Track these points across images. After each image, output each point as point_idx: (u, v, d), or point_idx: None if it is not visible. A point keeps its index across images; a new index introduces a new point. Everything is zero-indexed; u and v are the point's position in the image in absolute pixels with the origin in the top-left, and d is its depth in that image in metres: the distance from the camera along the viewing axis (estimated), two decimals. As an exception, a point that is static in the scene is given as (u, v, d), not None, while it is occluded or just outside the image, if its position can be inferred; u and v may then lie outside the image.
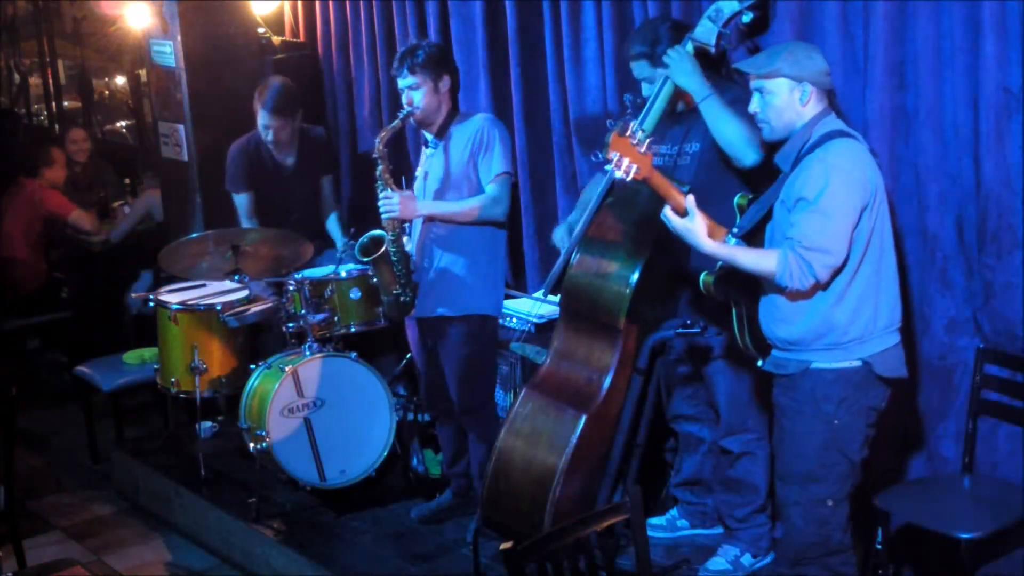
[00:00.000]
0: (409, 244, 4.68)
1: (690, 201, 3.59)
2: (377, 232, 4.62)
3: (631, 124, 3.64)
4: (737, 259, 3.58)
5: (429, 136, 4.65)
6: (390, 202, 4.51)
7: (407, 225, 4.68)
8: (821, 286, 3.53)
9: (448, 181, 4.55)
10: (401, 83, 4.54)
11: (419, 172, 4.72)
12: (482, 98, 5.48)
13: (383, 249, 4.54)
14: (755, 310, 3.74)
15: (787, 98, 3.61)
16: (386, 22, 5.98)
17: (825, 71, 3.62)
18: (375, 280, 4.71)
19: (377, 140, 4.54)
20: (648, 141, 3.62)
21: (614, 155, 3.58)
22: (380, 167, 4.53)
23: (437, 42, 4.76)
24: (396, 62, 4.54)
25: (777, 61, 3.61)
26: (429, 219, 4.61)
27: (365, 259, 4.61)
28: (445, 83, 4.55)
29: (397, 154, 5.69)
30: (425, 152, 4.70)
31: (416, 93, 4.51)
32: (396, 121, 4.56)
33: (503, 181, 4.52)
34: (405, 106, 4.53)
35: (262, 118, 5.50)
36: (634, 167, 3.57)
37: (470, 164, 4.52)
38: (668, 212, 3.62)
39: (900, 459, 4.26)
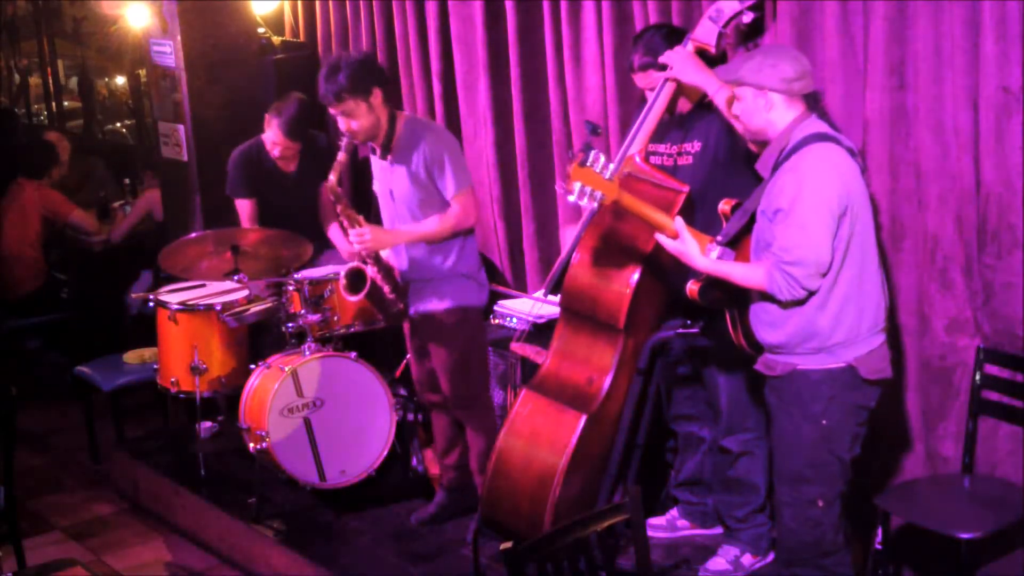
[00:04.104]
0: (385, 252, 4.69)
1: (679, 223, 3.61)
2: (352, 268, 4.64)
3: (591, 152, 3.54)
4: (731, 276, 3.61)
5: (376, 147, 4.59)
6: (363, 238, 4.46)
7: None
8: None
9: (416, 197, 4.52)
10: (332, 110, 4.43)
11: (379, 187, 4.65)
12: (482, 98, 5.48)
13: (369, 283, 4.57)
14: (746, 312, 3.74)
15: (752, 104, 3.62)
16: (386, 22, 5.97)
17: (792, 78, 3.58)
18: (375, 306, 4.75)
19: (331, 180, 4.46)
20: (612, 167, 3.58)
21: (576, 186, 3.54)
22: (340, 207, 4.50)
23: (358, 55, 4.47)
24: (321, 88, 4.39)
25: (740, 68, 3.63)
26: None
27: (356, 296, 4.64)
28: (377, 96, 4.41)
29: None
30: (376, 161, 4.63)
31: (351, 118, 4.39)
32: (340, 154, 4.44)
33: (464, 196, 4.48)
34: (343, 132, 4.44)
35: (274, 135, 5.49)
36: (599, 194, 3.54)
37: (429, 181, 4.48)
38: (660, 235, 3.64)
39: (900, 459, 4.26)
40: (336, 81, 4.35)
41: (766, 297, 3.59)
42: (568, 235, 4.49)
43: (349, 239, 4.60)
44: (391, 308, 4.69)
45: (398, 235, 4.58)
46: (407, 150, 4.48)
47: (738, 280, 3.60)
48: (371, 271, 4.62)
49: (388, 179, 4.58)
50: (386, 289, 4.63)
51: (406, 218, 4.58)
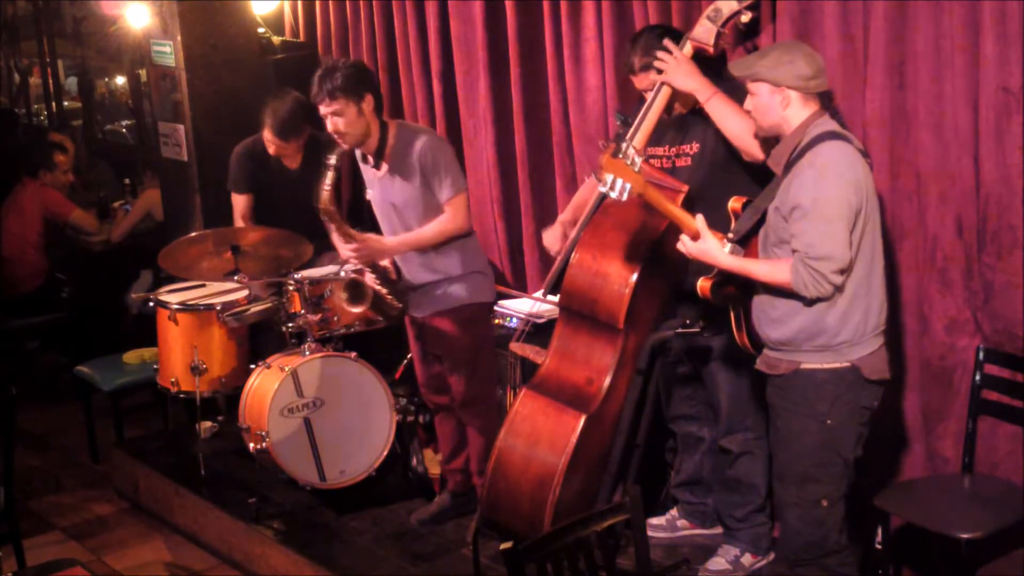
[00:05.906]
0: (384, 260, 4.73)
1: (700, 221, 3.61)
2: (349, 279, 4.70)
3: (623, 144, 3.58)
4: (753, 272, 3.60)
5: (368, 156, 4.59)
6: (361, 252, 4.52)
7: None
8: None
9: (420, 205, 4.52)
10: (324, 109, 4.44)
11: (377, 199, 4.63)
12: (482, 98, 5.48)
13: (371, 295, 4.63)
14: (751, 311, 3.74)
15: (768, 101, 3.61)
16: (386, 22, 5.98)
17: (808, 76, 3.57)
18: (376, 312, 4.80)
19: (322, 195, 4.44)
20: (641, 161, 3.60)
21: (608, 177, 3.55)
22: (335, 223, 4.52)
23: (355, 61, 4.64)
24: (315, 87, 4.44)
25: (756, 64, 3.62)
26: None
27: (358, 308, 4.69)
28: (369, 103, 4.45)
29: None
30: (370, 171, 4.62)
31: (340, 119, 4.42)
32: (329, 172, 4.44)
33: (457, 202, 4.49)
34: (331, 132, 4.46)
35: (267, 134, 5.48)
36: (627, 186, 3.56)
37: (427, 189, 4.49)
38: (682, 241, 3.64)
39: (900, 459, 4.26)
40: (332, 79, 4.39)
41: (771, 294, 3.59)
42: (550, 237, 4.49)
43: (342, 254, 4.63)
44: (390, 312, 4.71)
45: (394, 247, 4.59)
46: (403, 158, 4.48)
47: (762, 277, 3.59)
48: (369, 278, 4.64)
49: (388, 191, 4.57)
50: (383, 292, 4.64)
51: (413, 227, 4.57)
